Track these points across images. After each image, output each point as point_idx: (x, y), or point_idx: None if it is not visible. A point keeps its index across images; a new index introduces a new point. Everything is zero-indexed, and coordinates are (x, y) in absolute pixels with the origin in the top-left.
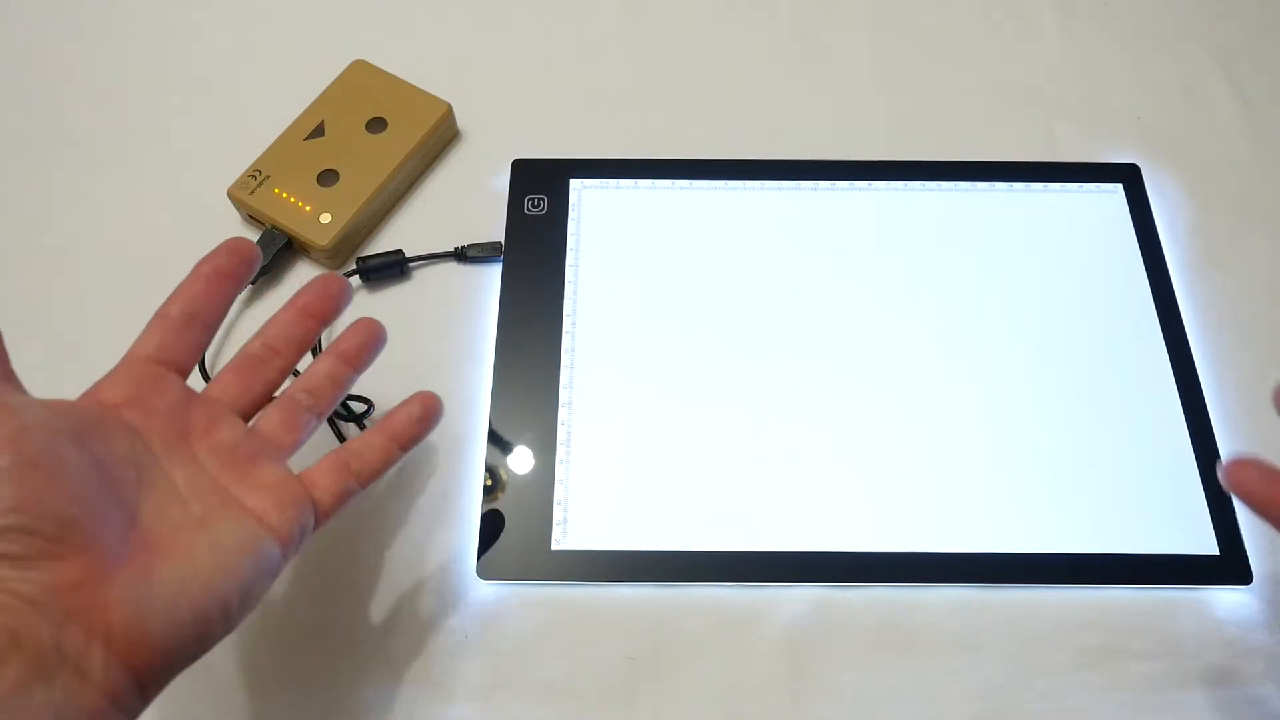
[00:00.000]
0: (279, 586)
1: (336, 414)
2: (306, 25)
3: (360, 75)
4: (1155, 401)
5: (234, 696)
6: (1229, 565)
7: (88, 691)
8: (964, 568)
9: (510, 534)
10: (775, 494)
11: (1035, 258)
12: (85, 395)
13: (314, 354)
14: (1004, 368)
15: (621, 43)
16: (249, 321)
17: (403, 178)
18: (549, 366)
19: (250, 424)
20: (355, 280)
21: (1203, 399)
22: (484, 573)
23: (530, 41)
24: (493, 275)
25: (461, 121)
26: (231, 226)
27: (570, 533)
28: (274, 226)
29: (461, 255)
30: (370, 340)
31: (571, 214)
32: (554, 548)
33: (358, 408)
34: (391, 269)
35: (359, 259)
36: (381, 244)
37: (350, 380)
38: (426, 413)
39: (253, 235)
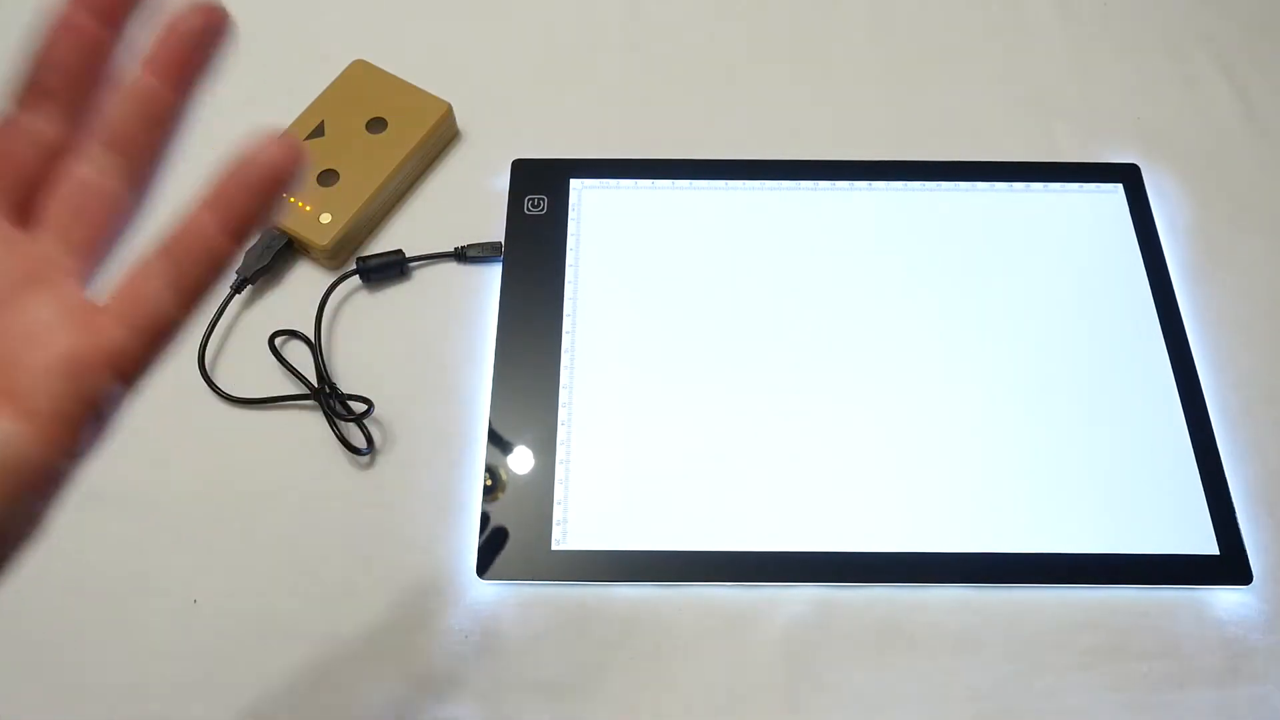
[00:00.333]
0: (280, 586)
1: (336, 413)
2: (306, 25)
3: (360, 75)
4: (1155, 401)
5: (234, 695)
6: (1229, 565)
7: None
8: (964, 568)
9: (510, 534)
10: (775, 494)
11: (1035, 258)
12: None
13: None
14: (1004, 368)
15: (621, 43)
16: (248, 326)
17: (403, 178)
18: (549, 366)
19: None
20: (355, 280)
21: (1203, 399)
22: (484, 573)
23: (530, 41)
24: (493, 275)
25: (461, 121)
26: None
27: (570, 533)
28: (274, 226)
29: (461, 255)
30: (210, 29)
31: (571, 214)
32: (554, 548)
33: (357, 408)
34: (391, 269)
35: (359, 259)
36: (381, 244)
37: (178, 111)
38: (280, 168)
39: (252, 236)
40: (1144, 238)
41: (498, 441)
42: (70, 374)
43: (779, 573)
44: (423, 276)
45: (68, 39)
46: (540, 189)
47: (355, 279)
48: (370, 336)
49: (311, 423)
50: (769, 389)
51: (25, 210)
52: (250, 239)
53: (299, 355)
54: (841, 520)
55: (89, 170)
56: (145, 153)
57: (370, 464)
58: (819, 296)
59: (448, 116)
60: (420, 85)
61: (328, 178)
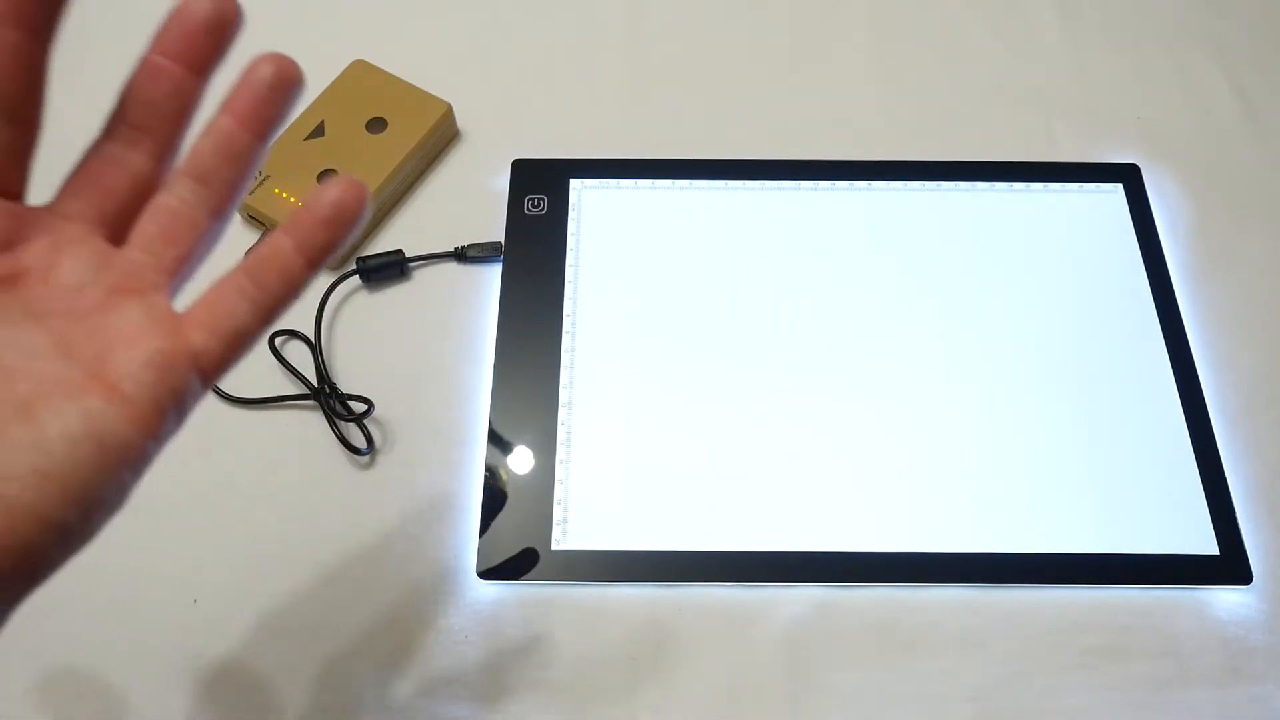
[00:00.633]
0: (280, 586)
1: (336, 413)
2: (306, 25)
3: (360, 75)
4: (1155, 401)
5: (233, 696)
6: (1229, 565)
7: None
8: (964, 568)
9: (510, 534)
10: (775, 494)
11: (1035, 258)
12: None
13: None
14: (1004, 367)
15: (621, 43)
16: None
17: (403, 178)
18: (549, 366)
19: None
20: (355, 280)
21: (1203, 399)
22: (484, 573)
23: (530, 41)
24: (493, 275)
25: (461, 121)
26: (231, 227)
27: (570, 533)
28: (274, 227)
29: (461, 255)
30: (280, 81)
31: (571, 214)
32: (554, 548)
33: (357, 408)
34: (391, 269)
35: (359, 259)
36: (381, 244)
37: (256, 153)
38: (343, 205)
39: (253, 236)
40: (1144, 238)
41: (498, 441)
42: (159, 368)
43: (779, 573)
44: (423, 276)
45: (156, 80)
46: (540, 189)
47: (355, 279)
48: (370, 336)
49: (311, 423)
50: (769, 389)
51: (118, 230)
52: (323, 265)
53: (299, 355)
54: (841, 520)
55: (175, 199)
56: (224, 186)
57: (370, 464)
58: (819, 297)
59: (448, 116)
60: (420, 85)
61: (328, 178)
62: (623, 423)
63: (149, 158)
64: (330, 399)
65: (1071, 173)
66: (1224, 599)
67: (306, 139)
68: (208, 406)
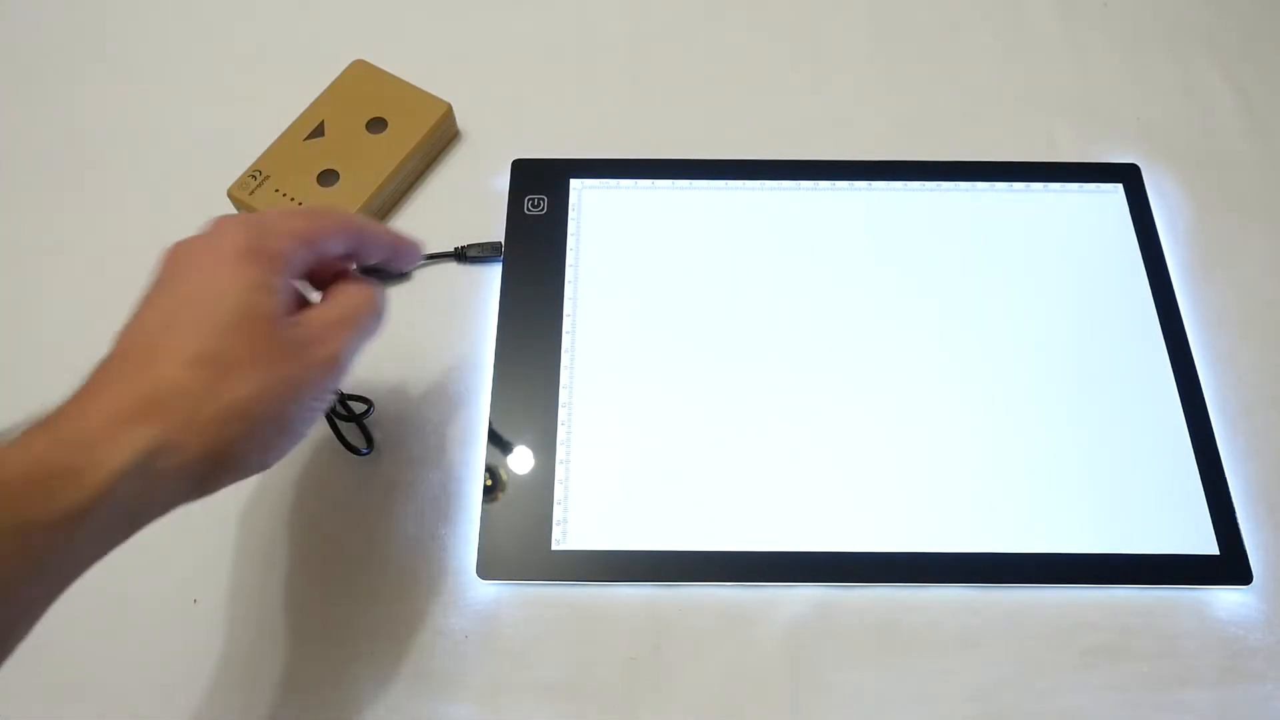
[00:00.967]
0: (280, 586)
1: (336, 413)
2: (306, 25)
3: (360, 75)
4: (1155, 401)
5: (234, 695)
6: (1229, 565)
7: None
8: (964, 568)
9: (510, 534)
10: (775, 494)
11: (1035, 258)
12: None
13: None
14: (1004, 367)
15: (621, 43)
16: None
17: (403, 178)
18: (549, 366)
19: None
20: None
21: (1203, 399)
22: (484, 573)
23: (530, 41)
24: (493, 275)
25: (461, 121)
26: None
27: (570, 533)
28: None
29: (461, 255)
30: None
31: (571, 214)
32: (554, 548)
33: (357, 408)
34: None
35: None
36: None
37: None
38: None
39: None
40: (1144, 238)
41: (498, 441)
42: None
43: (779, 573)
44: (423, 276)
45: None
46: (540, 189)
47: None
48: None
49: None
50: (769, 389)
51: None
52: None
53: None
54: (841, 520)
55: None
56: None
57: (370, 464)
58: (818, 297)
59: (448, 116)
60: (420, 85)
61: (328, 178)
62: (623, 423)
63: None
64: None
65: (1071, 173)
66: (1224, 599)
67: (306, 139)
68: None
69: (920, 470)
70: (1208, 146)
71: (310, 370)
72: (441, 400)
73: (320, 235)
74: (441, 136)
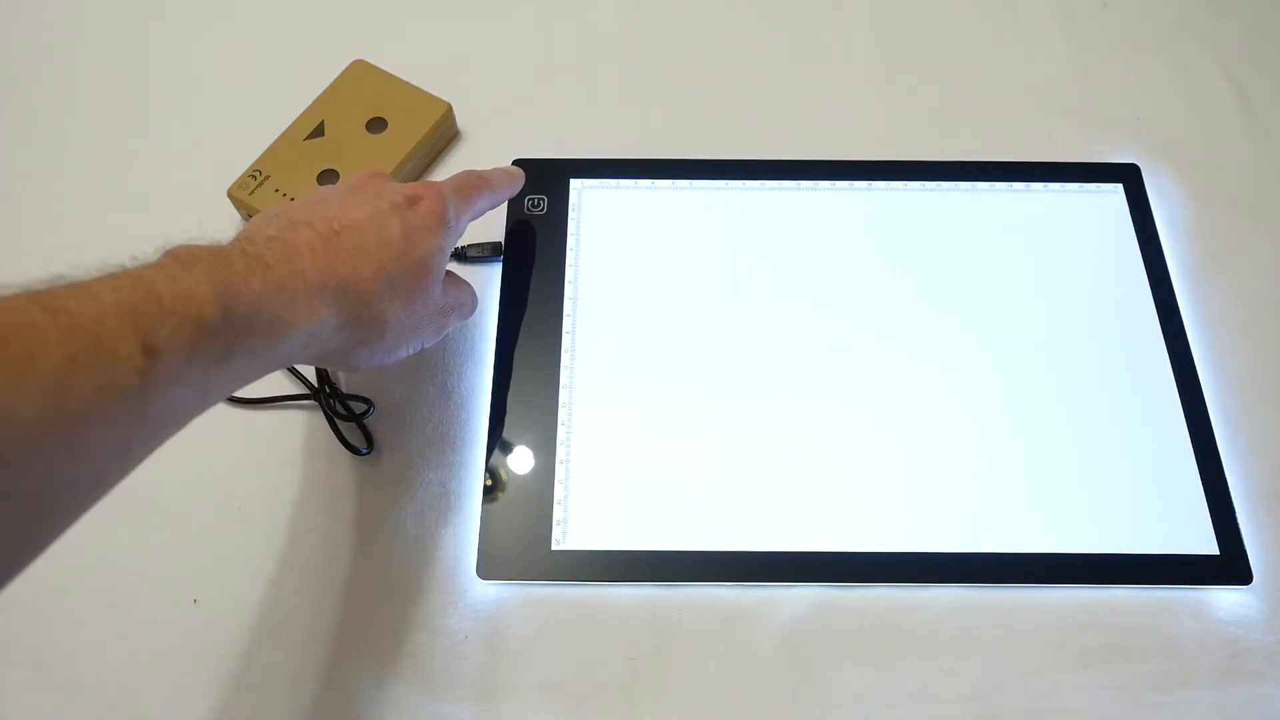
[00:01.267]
0: (280, 586)
1: (336, 413)
2: (306, 25)
3: (360, 75)
4: (1155, 401)
5: (234, 695)
6: (1229, 565)
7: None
8: (964, 568)
9: (510, 534)
10: (775, 494)
11: (1035, 258)
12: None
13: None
14: (1004, 367)
15: (621, 43)
16: None
17: (403, 178)
18: (549, 366)
19: None
20: None
21: (1203, 399)
22: (484, 573)
23: (530, 41)
24: (493, 275)
25: (461, 121)
26: (231, 227)
27: (570, 533)
28: None
29: (461, 255)
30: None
31: (571, 214)
32: (554, 548)
33: (357, 408)
34: None
35: None
36: None
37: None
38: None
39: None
40: (1144, 238)
41: (497, 441)
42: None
43: (779, 573)
44: None
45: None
46: (540, 189)
47: None
48: None
49: (311, 423)
50: (769, 389)
51: None
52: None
53: None
54: (841, 520)
55: None
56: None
57: (370, 464)
58: (818, 297)
59: (448, 116)
60: (420, 85)
61: (328, 178)
62: (623, 422)
63: None
64: (330, 399)
65: (1071, 173)
66: (1224, 599)
67: (307, 139)
68: None
69: (920, 470)
70: (1208, 146)
71: (431, 325)
72: (441, 400)
73: (477, 208)
74: (441, 136)
